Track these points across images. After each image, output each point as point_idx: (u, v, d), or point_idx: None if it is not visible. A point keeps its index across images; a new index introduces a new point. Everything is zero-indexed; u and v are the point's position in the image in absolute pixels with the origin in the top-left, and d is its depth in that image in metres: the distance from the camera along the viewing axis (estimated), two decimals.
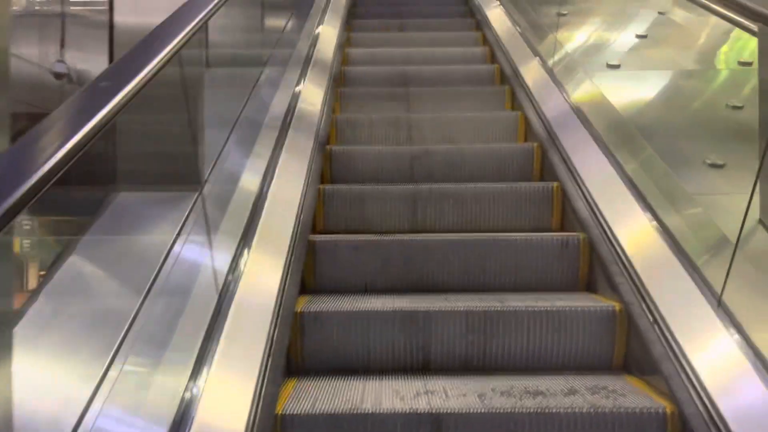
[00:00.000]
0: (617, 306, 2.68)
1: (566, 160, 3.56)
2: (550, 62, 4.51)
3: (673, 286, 2.39)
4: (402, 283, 3.13)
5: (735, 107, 2.96)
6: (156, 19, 2.09)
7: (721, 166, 2.69)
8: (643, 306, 2.50)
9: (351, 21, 7.01)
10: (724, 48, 3.53)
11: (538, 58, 4.85)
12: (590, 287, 3.13)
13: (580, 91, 3.94)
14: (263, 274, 2.59)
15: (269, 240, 2.83)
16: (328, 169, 4.11)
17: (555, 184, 3.65)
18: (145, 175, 1.92)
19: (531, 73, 4.67)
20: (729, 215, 2.43)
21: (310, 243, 3.15)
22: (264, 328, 2.30)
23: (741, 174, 2.53)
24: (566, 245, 3.17)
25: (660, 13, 4.06)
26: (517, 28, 5.49)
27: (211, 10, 2.27)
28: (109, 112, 1.29)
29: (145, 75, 1.52)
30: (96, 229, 1.95)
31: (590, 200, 3.16)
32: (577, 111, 3.81)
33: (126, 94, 1.38)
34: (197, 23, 2.07)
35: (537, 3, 5.57)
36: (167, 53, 1.70)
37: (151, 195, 1.89)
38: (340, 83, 5.27)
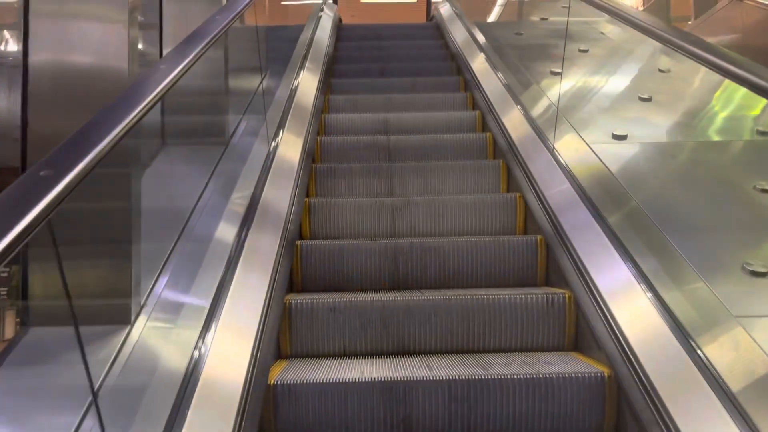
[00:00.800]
0: (606, 371, 2.56)
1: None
2: (539, 120, 4.36)
3: (667, 359, 2.27)
4: (382, 345, 3.00)
5: (764, 190, 2.58)
6: (80, 58, 1.92)
7: (764, 275, 2.20)
8: (632, 373, 2.38)
9: (332, 67, 6.91)
10: (737, 111, 3.15)
11: (519, 106, 4.76)
12: (578, 346, 3.02)
13: (581, 165, 3.56)
14: (233, 344, 2.45)
15: (241, 303, 2.69)
16: (306, 222, 4.00)
17: (539, 237, 3.57)
18: (62, 308, 1.64)
19: (518, 130, 4.48)
20: None
21: (286, 305, 3.02)
22: (233, 405, 2.16)
23: None
24: (552, 303, 3.06)
25: (661, 70, 3.75)
26: (513, 97, 4.97)
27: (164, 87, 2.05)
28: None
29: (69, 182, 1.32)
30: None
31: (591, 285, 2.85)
32: (567, 172, 3.64)
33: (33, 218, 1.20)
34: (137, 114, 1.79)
35: (528, 60, 5.36)
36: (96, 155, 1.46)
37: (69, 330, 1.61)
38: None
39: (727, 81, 2.50)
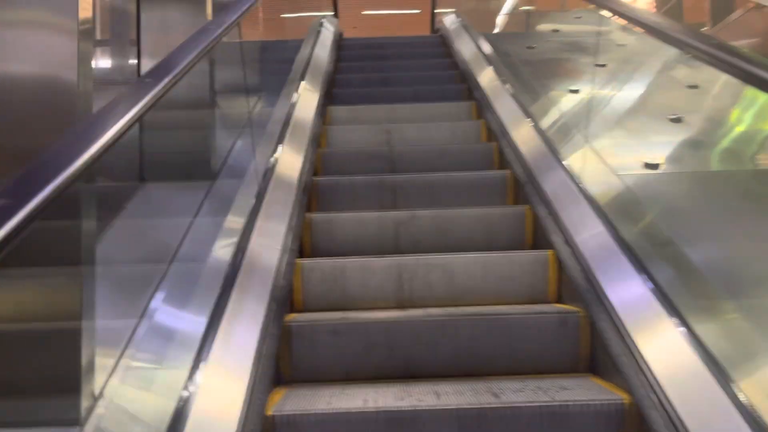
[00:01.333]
0: (626, 398, 2.40)
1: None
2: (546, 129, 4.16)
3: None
4: (387, 370, 2.85)
5: None
6: (23, 67, 1.76)
7: None
8: (654, 399, 2.23)
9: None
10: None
11: (534, 126, 4.61)
12: (593, 368, 2.86)
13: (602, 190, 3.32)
14: (229, 369, 2.30)
15: (238, 326, 2.55)
16: (307, 238, 3.85)
17: (549, 252, 3.42)
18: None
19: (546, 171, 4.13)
20: None
21: (285, 327, 2.87)
22: None
23: None
24: (565, 323, 2.91)
25: (690, 87, 3.43)
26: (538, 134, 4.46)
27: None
28: None
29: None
30: None
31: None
32: (586, 193, 3.45)
33: None
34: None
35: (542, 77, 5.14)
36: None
37: None
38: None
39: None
